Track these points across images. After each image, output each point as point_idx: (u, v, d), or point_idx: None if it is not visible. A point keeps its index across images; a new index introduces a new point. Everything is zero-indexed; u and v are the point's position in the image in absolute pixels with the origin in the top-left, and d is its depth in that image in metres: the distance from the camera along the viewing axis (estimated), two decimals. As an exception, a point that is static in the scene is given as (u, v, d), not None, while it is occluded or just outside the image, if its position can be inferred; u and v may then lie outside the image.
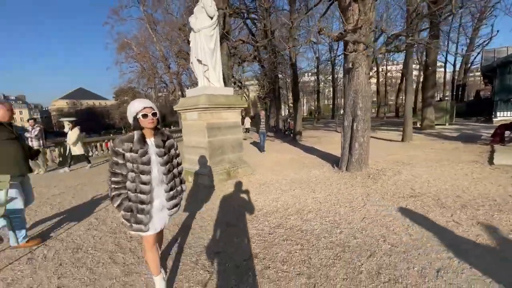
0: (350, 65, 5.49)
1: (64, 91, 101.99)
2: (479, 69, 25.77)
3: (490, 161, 5.87)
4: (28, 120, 8.04)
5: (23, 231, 3.05)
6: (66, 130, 8.23)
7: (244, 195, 4.58)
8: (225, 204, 4.19)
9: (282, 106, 33.70)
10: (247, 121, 20.96)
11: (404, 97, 17.93)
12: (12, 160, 2.87)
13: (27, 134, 7.62)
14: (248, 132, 18.95)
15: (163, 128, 2.14)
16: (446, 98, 23.32)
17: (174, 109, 6.10)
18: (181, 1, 25.36)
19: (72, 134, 7.81)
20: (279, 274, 2.35)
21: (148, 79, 38.65)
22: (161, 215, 2.00)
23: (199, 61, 5.40)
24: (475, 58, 25.78)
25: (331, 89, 37.93)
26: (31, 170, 3.14)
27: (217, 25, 5.47)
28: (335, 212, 3.65)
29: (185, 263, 2.58)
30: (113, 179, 1.86)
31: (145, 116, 1.81)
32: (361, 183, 4.94)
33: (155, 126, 1.90)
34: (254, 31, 20.33)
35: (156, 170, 1.91)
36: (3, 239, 3.06)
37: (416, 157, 6.92)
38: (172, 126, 38.86)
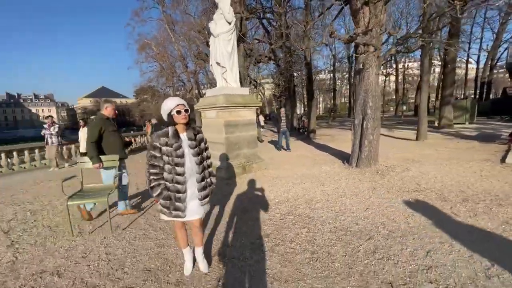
0: (361, 66, 5.74)
1: (88, 90, 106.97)
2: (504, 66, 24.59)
3: (503, 160, 5.90)
4: (46, 118, 8.29)
5: (127, 201, 3.97)
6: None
7: (258, 187, 4.99)
8: (241, 194, 4.62)
9: (298, 104, 33.79)
10: (261, 119, 21.30)
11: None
12: (118, 147, 3.76)
13: (45, 132, 7.90)
14: (263, 128, 19.14)
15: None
16: (471, 96, 22.49)
17: (195, 108, 6.61)
18: (199, 1, 26.06)
19: (84, 132, 8.23)
20: (287, 250, 2.74)
21: (166, 78, 39.85)
22: (194, 204, 2.17)
23: (218, 64, 5.86)
24: (501, 54, 24.58)
25: (348, 87, 37.50)
26: (126, 156, 3.99)
27: (234, 30, 5.90)
28: (341, 203, 3.98)
29: (208, 240, 3.03)
30: (151, 170, 2.05)
31: (178, 112, 2.03)
32: (369, 178, 5.21)
33: (187, 122, 2.12)
34: (269, 30, 20.59)
35: (189, 161, 2.11)
36: (92, 216, 3.77)
37: (428, 155, 7.02)
38: (189, 124, 39.88)
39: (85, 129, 8.04)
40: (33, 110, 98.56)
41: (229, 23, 5.77)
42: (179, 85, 43.48)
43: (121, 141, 3.88)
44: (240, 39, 8.20)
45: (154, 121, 11.44)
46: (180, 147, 2.06)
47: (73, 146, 10.00)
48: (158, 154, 2.05)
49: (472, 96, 29.41)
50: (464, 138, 9.92)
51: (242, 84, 7.35)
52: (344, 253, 2.62)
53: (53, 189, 5.74)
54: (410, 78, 37.64)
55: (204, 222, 3.52)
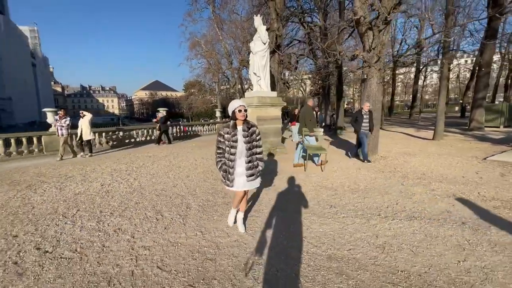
0: (365, 76, 7.32)
1: (143, 83, 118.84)
2: None
3: (486, 157, 6.96)
4: (59, 109, 8.46)
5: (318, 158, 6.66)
6: (160, 115, 11.90)
7: (282, 165, 7.02)
8: (268, 170, 6.72)
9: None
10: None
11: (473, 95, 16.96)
12: (314, 125, 6.71)
13: (56, 123, 8.15)
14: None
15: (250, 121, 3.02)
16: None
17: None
18: (246, 1, 28.35)
19: (85, 121, 8.57)
20: (316, 190, 4.77)
21: (213, 74, 43.38)
22: (241, 179, 2.89)
23: (255, 74, 7.99)
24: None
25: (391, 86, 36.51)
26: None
27: (268, 48, 7.95)
28: (346, 176, 5.75)
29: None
30: (218, 151, 2.91)
31: (239, 111, 2.79)
32: (363, 163, 6.86)
33: (245, 118, 2.87)
34: (309, 32, 21.96)
35: (241, 146, 2.84)
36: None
37: (427, 151, 8.22)
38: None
39: (85, 119, 8.58)
40: (100, 100, 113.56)
41: (264, 44, 7.83)
42: (223, 81, 46.98)
43: (315, 122, 6.70)
44: (275, 51, 10.21)
45: (161, 114, 12.21)
46: (235, 135, 2.85)
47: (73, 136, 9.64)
48: (221, 139, 2.90)
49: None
50: (484, 140, 10.45)
51: (275, 85, 9.39)
52: (328, 195, 4.55)
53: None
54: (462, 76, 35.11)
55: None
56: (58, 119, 8.18)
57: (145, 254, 2.71)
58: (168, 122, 12.70)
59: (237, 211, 3.25)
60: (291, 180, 5.42)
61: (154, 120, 13.50)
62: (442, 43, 10.42)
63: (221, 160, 2.93)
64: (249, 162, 2.91)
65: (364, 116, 6.85)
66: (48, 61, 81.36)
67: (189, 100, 58.79)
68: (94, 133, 10.47)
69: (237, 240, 2.99)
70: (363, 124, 6.89)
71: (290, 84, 27.34)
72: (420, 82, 33.06)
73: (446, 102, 35.21)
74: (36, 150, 9.27)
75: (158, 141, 11.84)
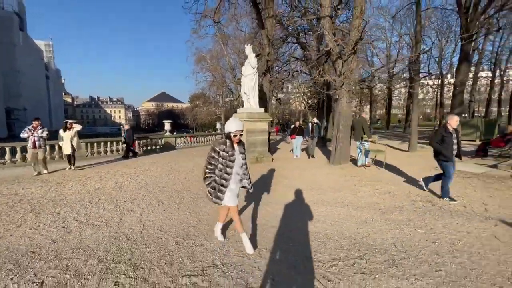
0: (336, 96, 8.67)
1: (151, 94, 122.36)
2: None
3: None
4: (33, 120, 7.51)
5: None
6: (127, 127, 11.25)
7: (265, 170, 8.26)
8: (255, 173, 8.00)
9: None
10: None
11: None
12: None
13: (27, 134, 7.30)
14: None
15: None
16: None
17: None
18: (250, 19, 30.38)
19: (70, 134, 8.00)
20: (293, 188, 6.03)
21: (217, 87, 45.28)
22: (233, 195, 2.97)
23: (245, 93, 9.42)
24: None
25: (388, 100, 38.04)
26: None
27: (256, 72, 9.40)
28: (315, 179, 6.99)
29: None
30: (208, 166, 2.91)
31: (235, 136, 2.89)
32: (334, 170, 8.10)
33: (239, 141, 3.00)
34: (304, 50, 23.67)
35: (237, 166, 2.96)
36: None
37: (395, 161, 9.41)
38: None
39: (72, 132, 8.02)
40: (108, 111, 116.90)
41: (253, 68, 9.29)
42: (228, 93, 48.90)
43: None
44: (266, 73, 11.73)
45: (127, 126, 11.60)
46: (233, 155, 2.90)
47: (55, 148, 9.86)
48: (216, 156, 2.87)
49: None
50: (454, 152, 11.60)
51: (267, 102, 10.78)
52: (302, 189, 5.80)
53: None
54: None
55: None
56: (32, 129, 7.31)
57: (149, 223, 4.00)
58: (135, 136, 12.04)
59: (241, 233, 3.07)
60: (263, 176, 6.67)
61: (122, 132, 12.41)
62: (411, 65, 11.80)
63: (211, 177, 2.92)
64: (243, 179, 3.13)
65: (453, 135, 4.83)
66: (60, 73, 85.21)
67: (194, 111, 60.63)
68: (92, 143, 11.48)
69: (214, 218, 4.25)
70: (454, 147, 4.81)
71: (281, 100, 28.82)
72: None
73: (440, 118, 36.89)
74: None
75: (126, 154, 11.12)
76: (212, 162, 2.92)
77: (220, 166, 2.91)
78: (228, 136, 2.92)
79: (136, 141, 12.75)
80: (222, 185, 2.92)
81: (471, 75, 27.03)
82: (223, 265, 2.76)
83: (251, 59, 9.26)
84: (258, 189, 5.95)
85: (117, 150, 12.50)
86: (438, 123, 29.63)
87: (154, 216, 4.32)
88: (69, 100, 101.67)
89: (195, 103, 61.78)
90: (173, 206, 4.81)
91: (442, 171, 5.07)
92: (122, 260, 2.86)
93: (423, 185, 5.59)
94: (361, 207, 4.68)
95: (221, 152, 2.90)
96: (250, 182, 3.25)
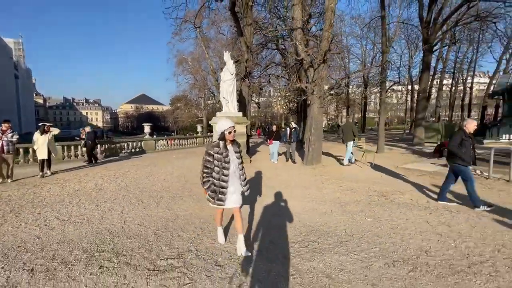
0: (308, 102, 9.35)
1: (130, 96, 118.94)
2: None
3: (401, 165, 9.03)
4: (3, 122, 7.03)
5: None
6: (87, 130, 10.70)
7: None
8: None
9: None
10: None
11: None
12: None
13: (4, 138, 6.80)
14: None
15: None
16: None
17: (210, 123, 10.60)
18: (231, 23, 30.79)
19: (46, 138, 7.75)
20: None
21: (199, 89, 45.15)
22: (234, 197, 2.95)
23: (224, 98, 9.86)
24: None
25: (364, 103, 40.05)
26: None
27: (235, 78, 9.88)
28: (288, 178, 7.53)
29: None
30: (205, 170, 2.89)
31: (229, 132, 2.85)
32: (308, 169, 8.73)
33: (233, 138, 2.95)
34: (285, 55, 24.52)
35: (233, 166, 2.92)
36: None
37: (362, 161, 10.26)
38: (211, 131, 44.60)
39: (48, 135, 7.75)
40: (84, 112, 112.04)
41: (231, 74, 9.76)
42: (209, 96, 48.91)
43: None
44: (245, 78, 12.26)
45: (88, 129, 11.07)
46: (227, 155, 2.86)
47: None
48: (211, 159, 2.85)
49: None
50: (417, 153, 12.72)
51: (246, 106, 11.28)
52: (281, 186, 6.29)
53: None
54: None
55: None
56: (1, 132, 6.82)
57: (130, 219, 4.31)
58: (96, 140, 11.37)
59: (239, 235, 3.07)
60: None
61: (78, 138, 12.19)
62: (379, 75, 12.87)
63: (209, 180, 2.91)
64: (243, 179, 3.07)
65: (470, 140, 4.68)
66: (31, 72, 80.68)
67: (175, 114, 59.88)
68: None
69: (191, 213, 4.64)
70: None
71: (260, 104, 29.60)
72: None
73: (412, 122, 39.56)
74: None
75: (89, 159, 10.53)
76: (208, 166, 2.91)
77: (216, 168, 2.89)
78: (222, 137, 2.91)
79: (98, 146, 12.08)
80: (222, 187, 2.90)
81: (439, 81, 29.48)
82: (197, 250, 3.18)
83: (229, 66, 9.73)
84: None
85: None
86: (409, 126, 31.69)
87: (135, 213, 4.63)
88: (41, 101, 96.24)
89: (176, 105, 61.01)
90: (152, 205, 5.13)
91: (447, 178, 5.00)
92: (105, 250, 3.19)
93: (446, 203, 4.96)
94: (324, 201, 5.27)
95: (215, 155, 2.87)
96: (247, 184, 3.14)
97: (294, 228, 3.91)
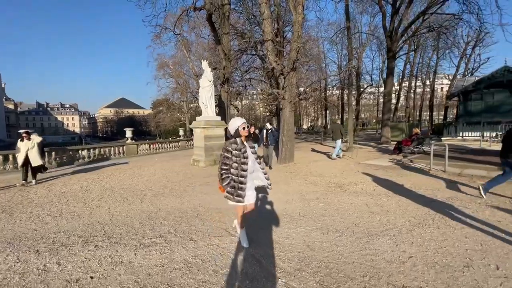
0: (281, 106, 10.27)
1: (108, 100, 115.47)
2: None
3: (363, 162, 10.15)
4: None
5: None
6: (128, 135, 13.04)
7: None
8: (210, 173, 9.10)
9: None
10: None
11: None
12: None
13: None
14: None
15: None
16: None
17: (190, 127, 11.23)
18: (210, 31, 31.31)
19: (27, 144, 7.49)
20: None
21: (181, 93, 45.15)
22: (250, 192, 3.02)
23: (203, 103, 10.56)
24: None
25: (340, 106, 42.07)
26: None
27: (213, 85, 10.61)
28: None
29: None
30: (223, 167, 2.94)
31: (243, 128, 2.95)
32: (281, 167, 9.61)
33: (248, 134, 3.02)
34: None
35: (251, 161, 3.00)
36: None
37: (330, 159, 11.30)
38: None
39: (30, 142, 7.46)
40: (59, 118, 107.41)
41: (210, 81, 10.49)
42: (191, 99, 49.00)
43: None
44: (225, 83, 13.04)
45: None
46: (245, 151, 2.97)
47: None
48: (229, 156, 2.93)
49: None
50: (382, 151, 14.01)
51: (226, 110, 12.02)
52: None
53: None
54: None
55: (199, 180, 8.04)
56: None
57: (117, 214, 4.92)
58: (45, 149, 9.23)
59: (241, 227, 3.28)
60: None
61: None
62: (347, 79, 14.13)
63: (228, 176, 2.93)
64: (264, 173, 3.19)
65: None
66: (0, 76, 76.57)
67: (157, 118, 59.20)
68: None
69: (172, 206, 5.32)
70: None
71: (239, 108, 30.65)
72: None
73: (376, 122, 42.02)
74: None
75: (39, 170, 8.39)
76: (227, 162, 2.95)
77: (235, 165, 2.93)
78: (237, 134, 2.99)
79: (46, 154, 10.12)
80: (241, 183, 2.94)
81: (407, 84, 31.70)
82: (176, 231, 3.90)
83: (207, 73, 10.45)
84: (211, 185, 7.13)
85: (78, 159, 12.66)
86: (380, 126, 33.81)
87: (121, 208, 5.24)
88: (12, 106, 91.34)
89: (158, 109, 60.39)
90: (136, 201, 5.75)
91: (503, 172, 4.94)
92: (98, 235, 3.83)
93: (483, 194, 5.06)
94: (289, 193, 6.13)
95: (233, 151, 2.93)
96: (268, 178, 3.24)
97: (260, 212, 4.71)
